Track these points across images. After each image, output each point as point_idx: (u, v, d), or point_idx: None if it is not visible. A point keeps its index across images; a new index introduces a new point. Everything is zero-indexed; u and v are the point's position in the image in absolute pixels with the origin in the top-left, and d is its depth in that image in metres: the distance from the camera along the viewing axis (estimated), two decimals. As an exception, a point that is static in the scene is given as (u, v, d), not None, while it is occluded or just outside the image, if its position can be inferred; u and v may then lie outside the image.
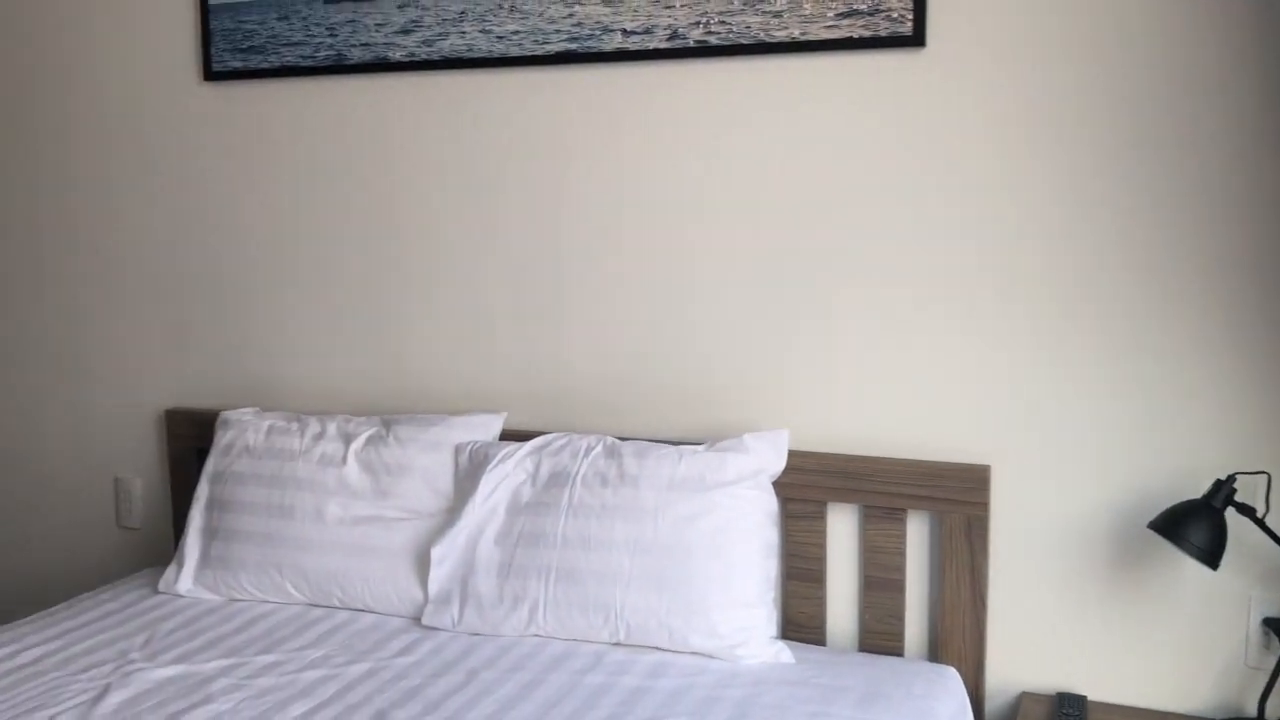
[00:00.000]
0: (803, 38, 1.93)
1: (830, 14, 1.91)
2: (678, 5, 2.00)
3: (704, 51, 2.00)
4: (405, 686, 1.77)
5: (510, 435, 2.18)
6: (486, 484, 2.05)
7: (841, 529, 2.02)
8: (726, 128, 2.03)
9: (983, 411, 1.93)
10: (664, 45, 2.02)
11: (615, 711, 1.68)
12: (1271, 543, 1.75)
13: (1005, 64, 1.86)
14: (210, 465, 2.26)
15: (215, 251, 2.44)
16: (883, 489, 1.95)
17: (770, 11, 1.95)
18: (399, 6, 2.19)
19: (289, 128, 2.33)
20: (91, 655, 1.92)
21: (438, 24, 2.16)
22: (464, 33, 2.14)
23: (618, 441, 2.03)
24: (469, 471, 2.10)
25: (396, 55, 2.20)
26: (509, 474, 2.05)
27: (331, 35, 2.24)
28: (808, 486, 1.99)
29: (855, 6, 1.89)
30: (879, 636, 1.99)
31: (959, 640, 1.93)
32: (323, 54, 2.25)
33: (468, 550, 2.02)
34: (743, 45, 1.97)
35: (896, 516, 1.96)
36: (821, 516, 2.01)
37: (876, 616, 1.99)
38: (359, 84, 2.26)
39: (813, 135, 1.97)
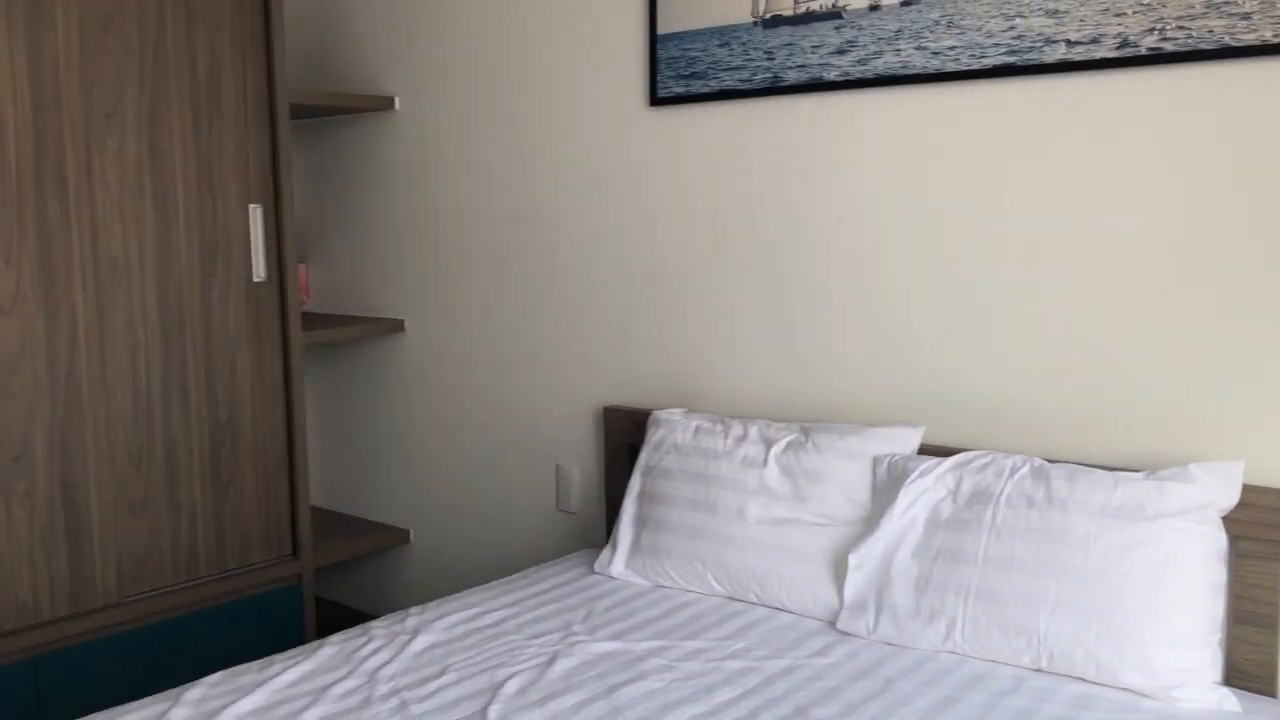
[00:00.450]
0: (1275, 40, 1.79)
1: (1310, 12, 1.75)
2: (1129, 12, 1.92)
3: (1158, 59, 1.90)
4: (823, 687, 1.83)
5: (928, 450, 2.19)
6: (905, 497, 2.07)
7: (1300, 574, 1.84)
8: (1176, 141, 1.91)
9: None
10: (1112, 55, 1.94)
11: (1039, 739, 1.64)
12: None
13: None
14: (642, 460, 2.45)
15: (653, 263, 2.63)
16: (1355, 534, 1.76)
17: (1237, 13, 1.82)
18: (835, 28, 2.26)
19: (725, 147, 2.47)
20: (540, 624, 2.14)
21: (873, 43, 2.21)
22: (899, 50, 2.18)
23: (1045, 463, 1.98)
24: (887, 483, 2.12)
25: (831, 75, 2.27)
26: (929, 489, 2.06)
27: (769, 59, 2.35)
28: (1265, 525, 1.83)
29: (1341, 3, 1.73)
30: (1342, 696, 1.80)
31: None
32: (759, 77, 2.37)
33: (884, 561, 2.05)
34: (1203, 51, 1.85)
35: (1370, 566, 1.76)
36: (1278, 558, 1.84)
37: (1340, 674, 1.80)
38: (793, 104, 2.35)
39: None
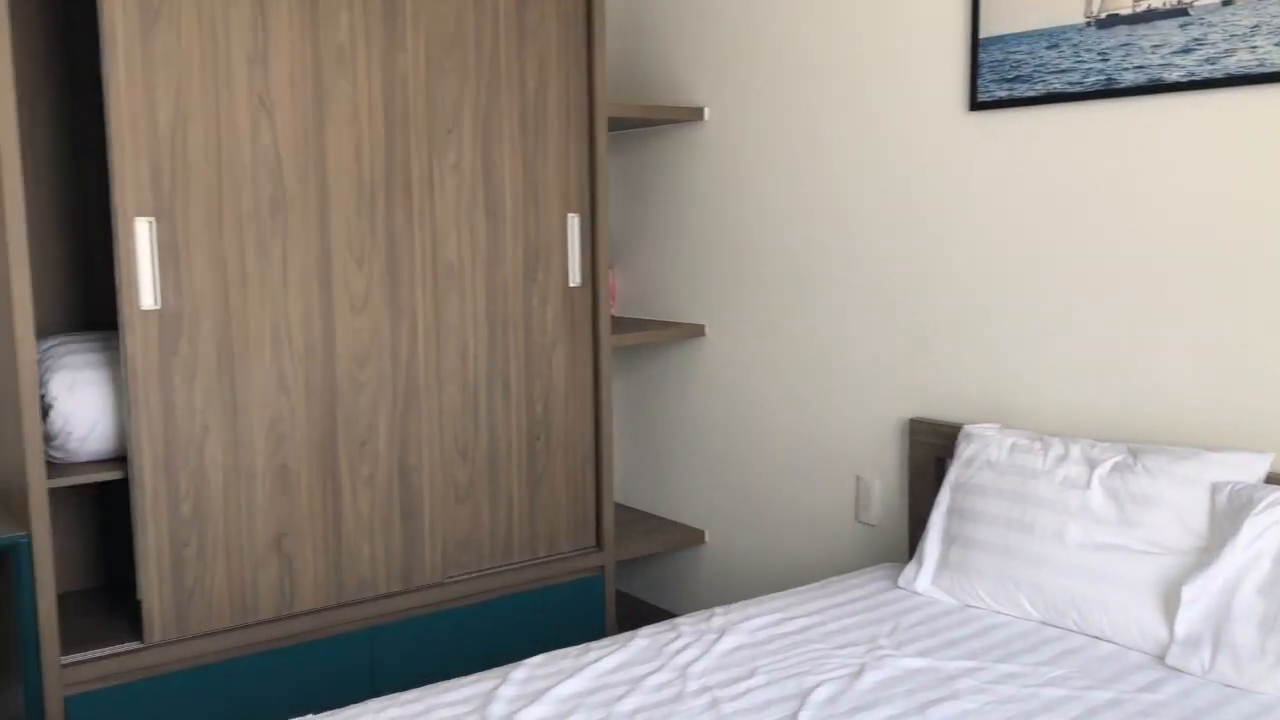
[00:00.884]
0: None
1: None
2: None
3: None
4: (1154, 725, 1.73)
5: (1277, 479, 2.02)
6: (1250, 529, 1.91)
7: None
8: None
9: None
10: None
11: None
12: None
13: None
14: (952, 475, 2.39)
15: (966, 272, 2.57)
16: None
17: None
18: (1180, 25, 2.12)
19: (1050, 151, 2.37)
20: (845, 635, 2.13)
21: (1224, 40, 2.06)
22: (1254, 47, 2.02)
23: None
24: (1228, 513, 1.97)
25: (1173, 76, 2.14)
26: (1278, 521, 1.90)
27: (1102, 60, 2.24)
28: None
29: None
30: None
31: None
32: (1091, 79, 2.26)
33: (1224, 596, 1.91)
34: None
35: None
36: None
37: None
38: (1128, 107, 2.23)
39: None
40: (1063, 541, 2.13)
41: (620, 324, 3.37)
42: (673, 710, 1.80)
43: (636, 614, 3.58)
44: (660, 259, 3.42)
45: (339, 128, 2.57)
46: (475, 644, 2.88)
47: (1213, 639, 1.90)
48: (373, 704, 1.83)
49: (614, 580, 3.10)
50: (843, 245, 2.85)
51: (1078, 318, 2.36)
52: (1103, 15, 2.24)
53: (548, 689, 1.87)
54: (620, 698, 1.84)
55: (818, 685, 1.88)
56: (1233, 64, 2.05)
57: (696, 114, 3.20)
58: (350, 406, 2.64)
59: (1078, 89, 2.28)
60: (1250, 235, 2.08)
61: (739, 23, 3.08)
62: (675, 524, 3.42)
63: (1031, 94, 2.36)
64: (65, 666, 2.34)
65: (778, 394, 3.07)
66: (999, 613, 2.22)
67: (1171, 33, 2.14)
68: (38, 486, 2.29)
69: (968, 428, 2.42)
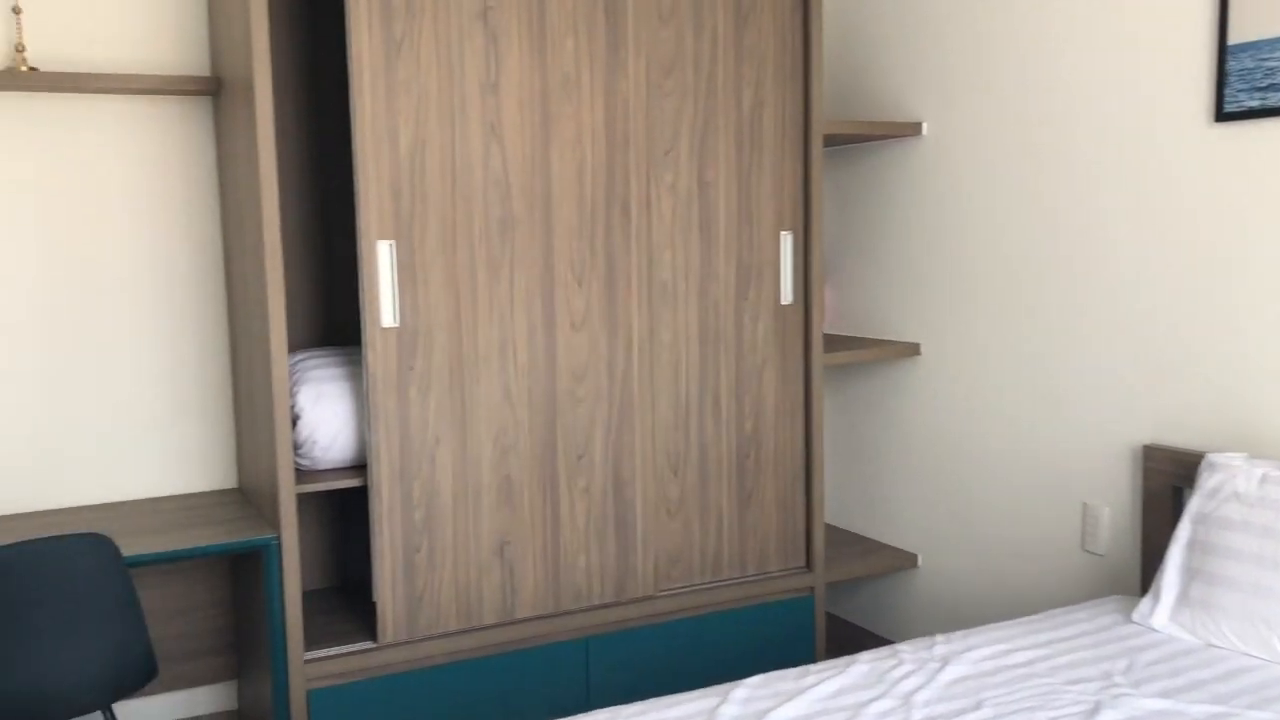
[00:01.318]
0: None
1: None
2: None
3: None
4: None
5: None
6: None
7: None
8: None
9: None
10: None
11: None
12: None
13: None
14: (1194, 506, 2.26)
15: (1209, 289, 2.42)
16: None
17: None
18: None
19: (1306, 165, 2.22)
20: (1075, 670, 2.04)
21: None
22: None
23: None
24: None
25: None
26: None
27: (1371, 64, 2.08)
28: None
29: None
30: None
31: None
32: (1357, 85, 2.10)
33: None
34: None
35: None
36: None
37: None
38: (1399, 114, 2.06)
39: None
40: (1322, 582, 1.98)
41: (833, 342, 3.34)
42: (898, 739, 1.77)
43: (846, 637, 3.53)
44: (875, 276, 3.37)
45: (562, 151, 2.65)
46: (686, 659, 2.91)
47: None
48: (600, 714, 1.87)
49: (824, 602, 3.07)
50: (1066, 260, 2.74)
51: (1338, 341, 2.19)
52: (1372, 16, 2.08)
53: (769, 710, 1.87)
54: (843, 723, 1.82)
55: (1050, 723, 1.81)
56: None
57: (915, 129, 3.15)
58: (568, 420, 2.71)
59: (1341, 96, 2.13)
60: None
61: (960, 35, 3.01)
62: (887, 547, 3.36)
63: (1287, 102, 2.21)
64: (308, 662, 2.49)
65: (997, 415, 2.98)
66: (1248, 655, 2.08)
67: None
68: (287, 491, 2.45)
69: (1212, 456, 2.28)
